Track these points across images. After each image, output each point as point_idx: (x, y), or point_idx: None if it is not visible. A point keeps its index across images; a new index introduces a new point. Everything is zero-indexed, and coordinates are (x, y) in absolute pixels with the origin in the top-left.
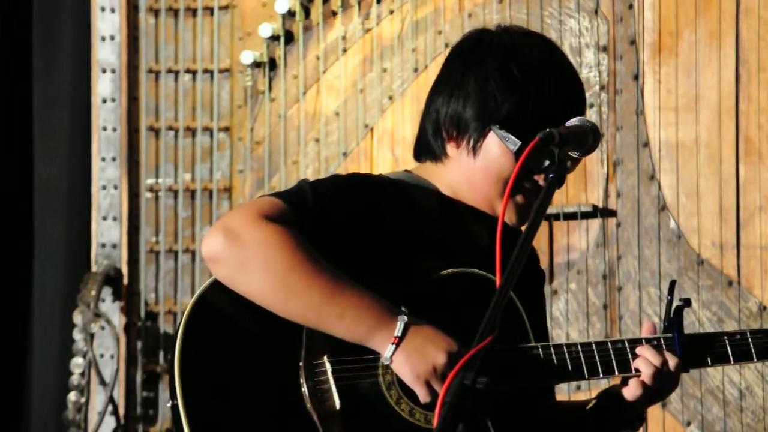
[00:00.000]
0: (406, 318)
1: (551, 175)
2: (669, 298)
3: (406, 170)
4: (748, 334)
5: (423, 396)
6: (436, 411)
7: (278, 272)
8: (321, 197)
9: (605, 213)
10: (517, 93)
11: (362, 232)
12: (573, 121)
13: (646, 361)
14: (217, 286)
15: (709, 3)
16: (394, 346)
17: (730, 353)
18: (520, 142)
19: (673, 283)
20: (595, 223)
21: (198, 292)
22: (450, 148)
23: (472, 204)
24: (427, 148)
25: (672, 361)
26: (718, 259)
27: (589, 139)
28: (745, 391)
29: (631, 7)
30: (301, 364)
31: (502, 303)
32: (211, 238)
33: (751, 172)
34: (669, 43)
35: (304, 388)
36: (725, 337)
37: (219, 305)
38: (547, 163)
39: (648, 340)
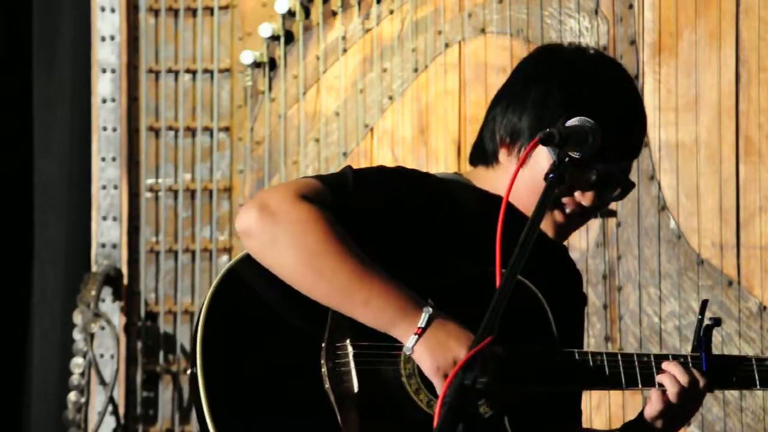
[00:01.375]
0: (431, 310)
1: (551, 175)
2: (699, 317)
3: (456, 172)
4: None
5: (441, 389)
6: (436, 411)
7: (308, 251)
8: (361, 185)
9: (605, 213)
10: (574, 111)
11: (398, 224)
12: (573, 121)
13: (670, 377)
14: (247, 261)
15: (709, 3)
16: (416, 336)
17: (756, 377)
18: (568, 159)
19: (704, 303)
20: (595, 223)
21: (228, 264)
22: (502, 154)
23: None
24: (481, 152)
25: (697, 380)
26: (718, 259)
27: (589, 139)
28: (745, 391)
29: (631, 7)
30: (323, 344)
31: (502, 303)
32: (247, 212)
33: (751, 172)
34: (669, 43)
35: (324, 369)
36: (753, 361)
37: (247, 279)
38: (593, 177)
39: (675, 357)
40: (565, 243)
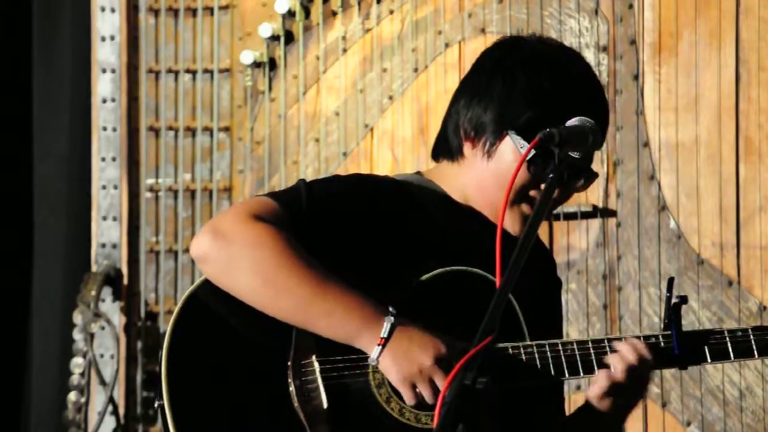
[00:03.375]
0: (393, 319)
1: (551, 175)
2: (668, 295)
3: (417, 172)
4: (749, 330)
5: (408, 398)
6: (436, 411)
7: (266, 271)
8: (315, 198)
9: (605, 213)
10: (540, 104)
11: (355, 234)
12: (573, 121)
13: (618, 356)
14: (207, 285)
15: (709, 3)
16: (380, 347)
17: (730, 349)
18: (535, 152)
19: (671, 281)
20: (595, 223)
21: (188, 291)
22: (466, 148)
23: (478, 209)
24: (445, 146)
25: (643, 355)
26: (718, 259)
27: (589, 139)
28: (745, 391)
29: (631, 7)
30: (289, 363)
31: (503, 303)
32: (200, 237)
33: (751, 172)
34: (669, 43)
35: (292, 388)
36: (725, 333)
37: (209, 304)
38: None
39: (647, 338)
40: (564, 243)
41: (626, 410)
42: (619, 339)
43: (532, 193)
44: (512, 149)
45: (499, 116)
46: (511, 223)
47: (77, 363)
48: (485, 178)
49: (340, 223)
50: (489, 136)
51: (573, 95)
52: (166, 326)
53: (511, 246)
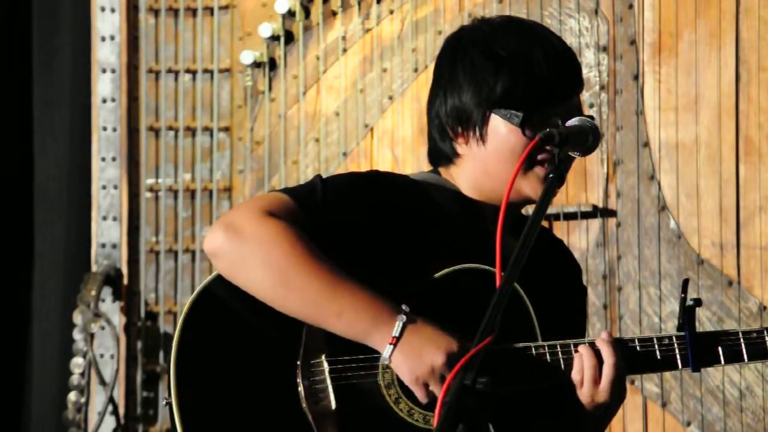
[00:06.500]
0: (404, 317)
1: (551, 175)
2: (683, 296)
3: (434, 171)
4: (765, 332)
5: (421, 397)
6: (436, 411)
7: (278, 268)
8: (330, 195)
9: (605, 213)
10: (506, 70)
11: (370, 231)
12: (573, 121)
13: (577, 359)
14: (219, 281)
15: (709, 3)
16: (392, 346)
17: (744, 351)
18: (522, 114)
19: (686, 282)
20: (595, 223)
21: (200, 286)
22: (459, 145)
23: (496, 196)
24: (438, 153)
25: (608, 367)
26: (718, 259)
27: (588, 139)
28: (745, 391)
29: (631, 7)
30: (298, 362)
31: (503, 303)
32: (213, 233)
33: (751, 172)
34: (669, 43)
35: (300, 388)
36: (740, 335)
37: (220, 300)
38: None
39: (660, 338)
40: (565, 243)
41: (600, 413)
42: (630, 340)
43: (540, 156)
44: (502, 123)
45: (476, 99)
46: (531, 189)
47: (77, 363)
48: (489, 162)
49: (354, 221)
50: (476, 122)
51: (530, 52)
52: (166, 326)
53: (536, 242)
